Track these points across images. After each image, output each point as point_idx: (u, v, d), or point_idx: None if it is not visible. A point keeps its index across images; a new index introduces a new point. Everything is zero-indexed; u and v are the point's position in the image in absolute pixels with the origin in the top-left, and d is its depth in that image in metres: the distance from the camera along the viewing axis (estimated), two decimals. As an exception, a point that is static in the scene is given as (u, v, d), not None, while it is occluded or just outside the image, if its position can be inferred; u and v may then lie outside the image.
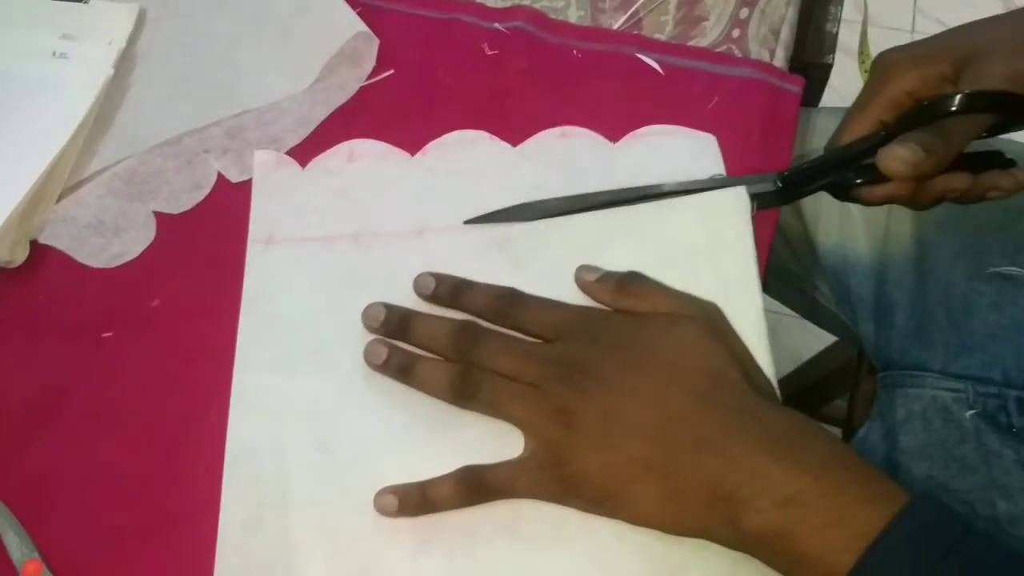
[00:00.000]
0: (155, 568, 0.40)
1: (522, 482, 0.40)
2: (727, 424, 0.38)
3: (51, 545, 0.41)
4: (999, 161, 0.47)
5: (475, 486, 0.40)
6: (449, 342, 0.42)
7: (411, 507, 0.40)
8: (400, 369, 0.43)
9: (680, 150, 0.49)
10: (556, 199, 0.47)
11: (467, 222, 0.47)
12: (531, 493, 0.40)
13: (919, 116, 0.43)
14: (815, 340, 0.97)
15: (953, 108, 0.42)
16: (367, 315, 0.44)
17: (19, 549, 0.40)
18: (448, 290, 0.44)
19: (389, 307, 0.44)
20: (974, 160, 0.46)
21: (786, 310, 0.71)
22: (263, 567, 0.39)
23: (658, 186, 0.47)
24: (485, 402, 0.41)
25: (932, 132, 0.42)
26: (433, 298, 0.44)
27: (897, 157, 0.42)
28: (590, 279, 0.44)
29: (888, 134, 0.44)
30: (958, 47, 0.44)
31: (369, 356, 0.43)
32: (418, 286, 0.45)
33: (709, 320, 0.42)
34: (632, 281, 0.43)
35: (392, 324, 0.44)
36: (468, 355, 0.42)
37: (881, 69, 0.45)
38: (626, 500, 0.39)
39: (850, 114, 0.46)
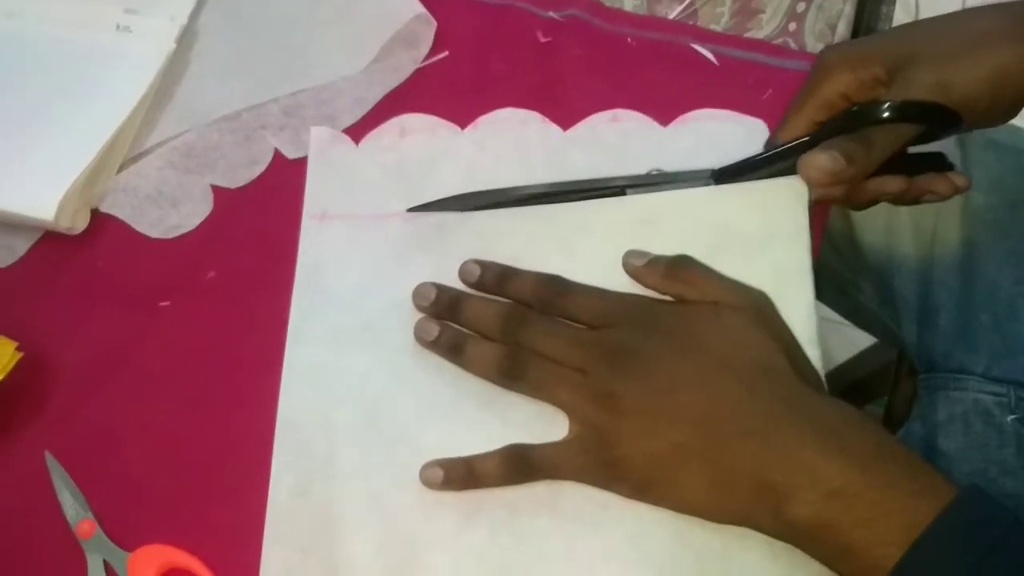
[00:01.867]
0: (204, 531, 0.41)
1: (566, 464, 0.40)
2: (773, 414, 0.38)
3: (104, 506, 0.42)
4: (939, 163, 0.47)
5: (520, 465, 0.40)
6: (497, 324, 0.43)
7: (456, 481, 0.40)
8: (450, 348, 0.43)
9: (730, 134, 0.49)
10: (538, 185, 0.47)
11: (410, 210, 0.47)
12: (575, 476, 0.40)
13: (849, 121, 0.43)
14: (850, 345, 0.96)
15: (882, 116, 0.42)
16: (418, 294, 0.45)
17: (73, 508, 0.42)
18: (493, 278, 0.44)
19: (440, 287, 0.44)
20: (913, 161, 0.46)
21: (822, 313, 0.71)
22: (311, 534, 0.40)
23: (614, 179, 0.47)
24: (532, 384, 0.42)
25: (855, 140, 0.42)
26: (478, 285, 0.44)
27: (816, 165, 0.42)
28: (638, 264, 0.44)
29: (816, 137, 0.44)
30: (893, 51, 0.43)
31: (420, 333, 0.44)
32: (463, 273, 0.45)
33: (758, 309, 0.42)
34: (681, 266, 0.43)
35: (442, 304, 0.44)
36: (516, 337, 0.42)
37: (819, 68, 0.44)
38: (669, 487, 0.39)
39: (788, 112, 0.46)
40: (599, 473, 0.40)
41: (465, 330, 0.44)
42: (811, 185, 0.43)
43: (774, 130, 0.47)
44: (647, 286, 0.44)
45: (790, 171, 0.44)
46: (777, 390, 0.39)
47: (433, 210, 0.47)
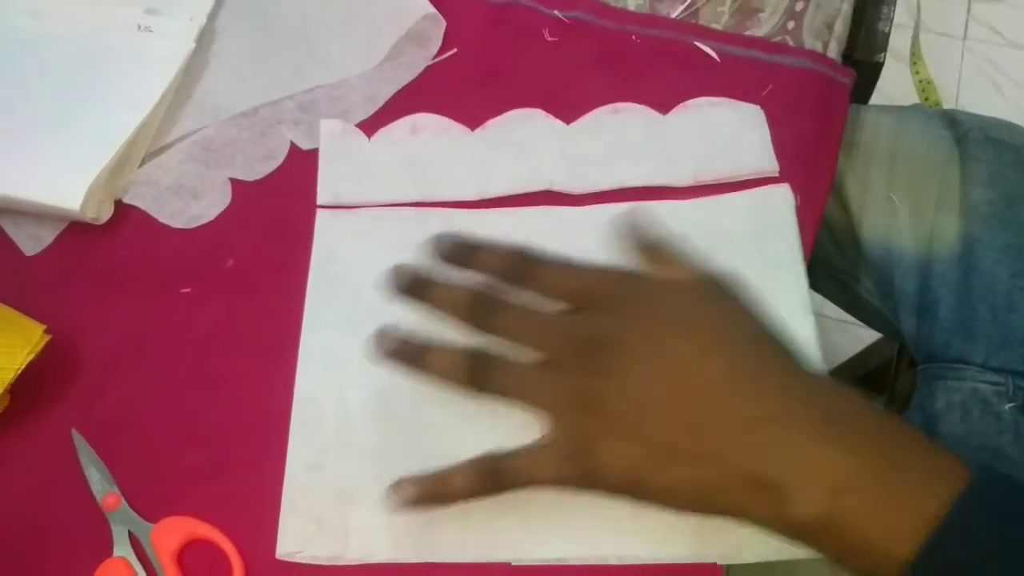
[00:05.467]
0: (224, 504, 0.43)
1: (542, 474, 0.38)
2: (766, 401, 0.35)
3: (128, 480, 0.44)
4: None
5: (491, 478, 0.38)
6: (465, 314, 0.40)
7: (426, 500, 0.39)
8: (410, 359, 0.40)
9: (728, 120, 0.51)
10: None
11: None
12: (552, 483, 0.38)
13: None
14: (853, 342, 0.97)
15: None
16: (392, 275, 0.42)
17: (100, 482, 0.43)
18: (464, 250, 0.42)
19: (415, 270, 0.42)
20: None
21: (825, 311, 0.72)
22: (326, 507, 0.42)
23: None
24: (501, 390, 0.39)
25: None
26: (451, 259, 0.42)
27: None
28: (625, 235, 0.42)
29: None
30: None
31: (378, 346, 0.41)
32: (435, 248, 0.42)
33: (743, 292, 0.40)
34: (667, 244, 0.41)
35: (413, 285, 0.41)
36: (484, 327, 0.40)
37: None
38: (654, 490, 0.36)
39: None
40: (579, 480, 0.37)
41: (425, 344, 0.41)
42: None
43: None
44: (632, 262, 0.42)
45: None
46: (768, 374, 0.37)
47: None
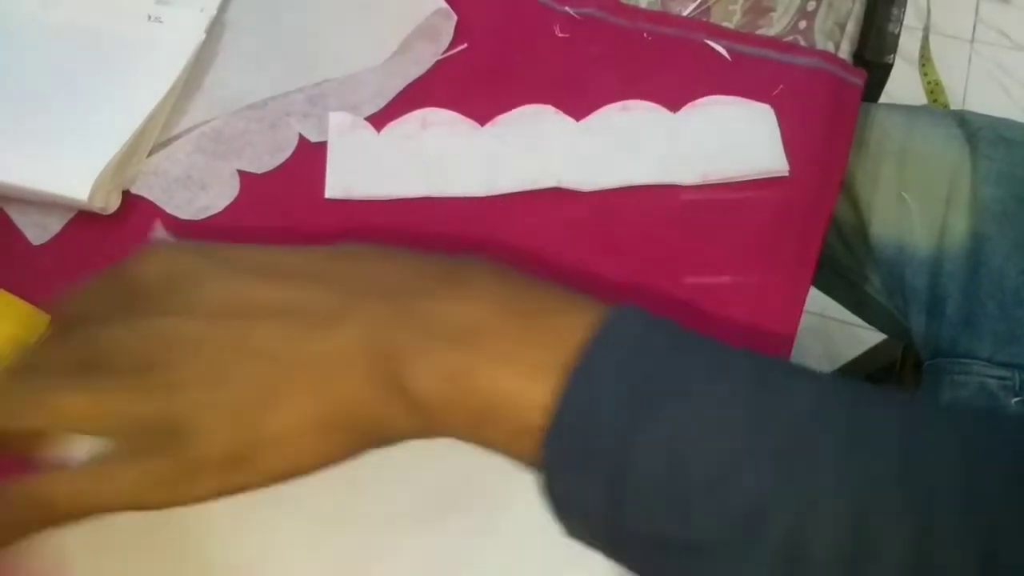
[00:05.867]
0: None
1: (115, 487, 0.28)
2: (358, 285, 0.29)
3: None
4: None
5: (32, 513, 0.28)
6: None
7: None
8: None
9: (738, 119, 0.51)
10: None
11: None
12: (132, 502, 0.28)
13: None
14: (858, 344, 0.97)
15: None
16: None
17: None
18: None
19: None
20: None
21: (829, 312, 0.72)
22: None
23: None
24: (18, 416, 0.29)
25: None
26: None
27: None
28: None
29: None
30: None
31: None
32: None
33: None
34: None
35: None
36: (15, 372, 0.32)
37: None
38: (263, 439, 0.28)
39: None
40: (174, 474, 0.28)
41: None
42: None
43: None
44: None
45: None
46: (358, 264, 0.31)
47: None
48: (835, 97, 0.53)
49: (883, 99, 0.67)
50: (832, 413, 0.27)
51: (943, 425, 0.27)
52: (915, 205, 0.60)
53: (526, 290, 0.30)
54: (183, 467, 0.28)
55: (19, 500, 0.28)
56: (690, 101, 0.52)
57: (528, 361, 0.28)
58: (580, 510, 0.28)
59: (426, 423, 0.29)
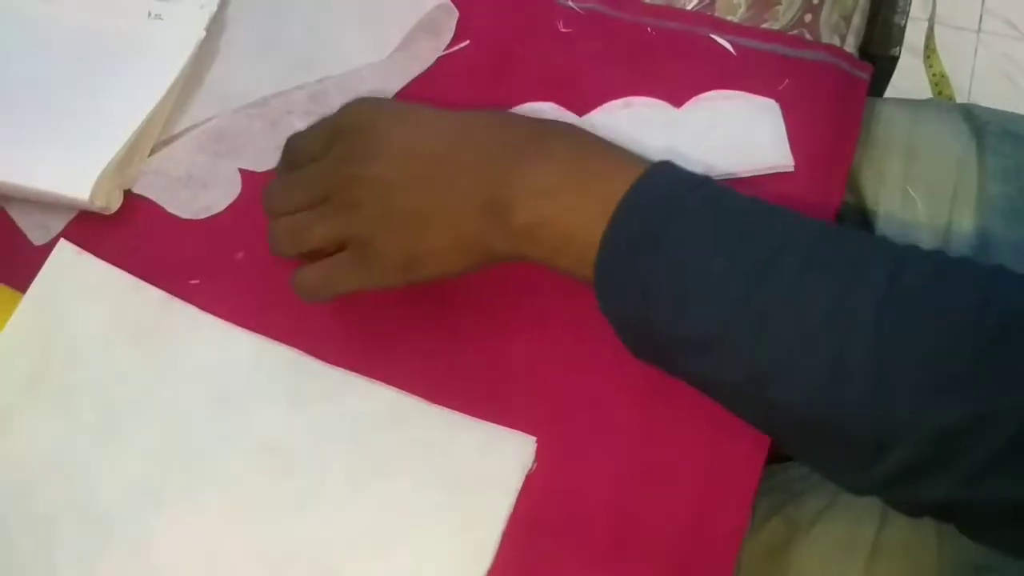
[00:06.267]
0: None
1: (337, 280, 0.43)
2: (478, 149, 0.41)
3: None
4: None
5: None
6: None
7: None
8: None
9: (742, 114, 0.50)
10: None
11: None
12: (349, 286, 0.43)
13: None
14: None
15: None
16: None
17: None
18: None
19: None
20: None
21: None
22: None
23: None
24: (288, 246, 0.44)
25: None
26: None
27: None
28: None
29: None
30: None
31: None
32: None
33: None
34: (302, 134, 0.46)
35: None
36: (272, 211, 0.44)
37: None
38: (426, 256, 0.41)
39: None
40: (370, 278, 0.43)
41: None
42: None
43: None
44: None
45: None
46: (478, 124, 0.42)
47: None
48: (841, 92, 0.52)
49: (888, 92, 0.66)
50: (801, 241, 0.36)
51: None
52: (921, 200, 0.59)
53: (590, 157, 0.40)
54: (378, 268, 0.42)
55: (296, 280, 0.44)
56: (694, 96, 0.52)
57: (588, 212, 0.38)
58: (625, 324, 0.39)
59: (520, 251, 0.40)
